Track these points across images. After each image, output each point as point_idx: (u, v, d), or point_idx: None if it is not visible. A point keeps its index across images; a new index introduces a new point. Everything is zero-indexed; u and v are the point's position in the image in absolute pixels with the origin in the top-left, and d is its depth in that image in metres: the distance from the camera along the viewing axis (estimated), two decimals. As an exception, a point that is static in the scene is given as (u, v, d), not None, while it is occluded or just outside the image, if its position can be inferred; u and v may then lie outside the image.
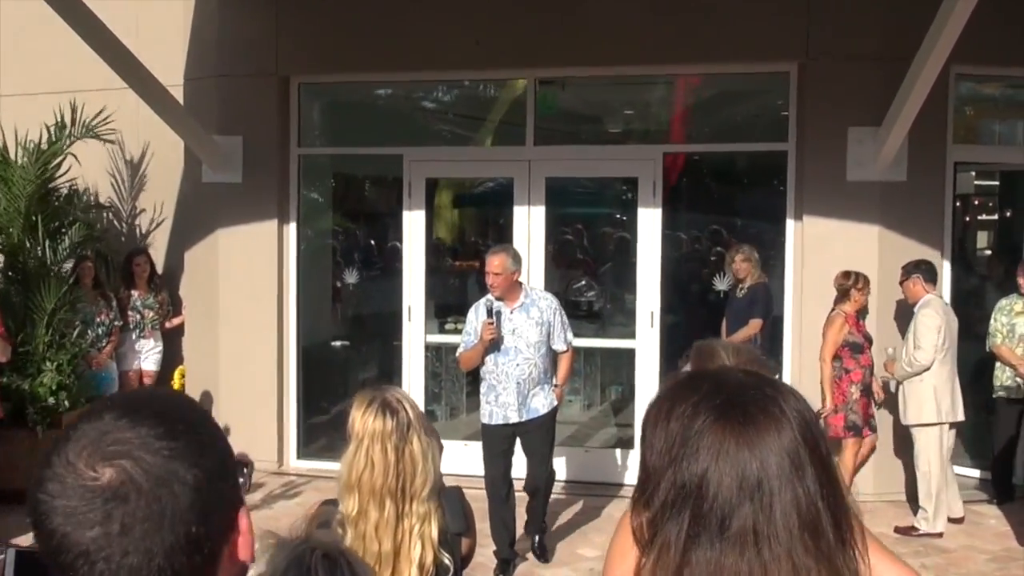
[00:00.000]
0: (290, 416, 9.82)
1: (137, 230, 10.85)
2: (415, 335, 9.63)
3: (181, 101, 9.46)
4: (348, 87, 9.96)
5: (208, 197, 9.68)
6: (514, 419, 7.13)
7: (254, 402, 9.59)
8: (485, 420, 7.21)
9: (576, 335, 10.15)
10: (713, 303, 9.68)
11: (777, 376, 2.33)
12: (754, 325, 8.55)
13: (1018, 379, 8.24)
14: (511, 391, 7.09)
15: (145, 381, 10.03)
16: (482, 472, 7.27)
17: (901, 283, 8.12)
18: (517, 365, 7.08)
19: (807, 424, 1.39)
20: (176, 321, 10.23)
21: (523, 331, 7.09)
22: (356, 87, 9.98)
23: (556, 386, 7.25)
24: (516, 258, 7.10)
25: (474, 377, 10.59)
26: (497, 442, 7.18)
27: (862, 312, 8.29)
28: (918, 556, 7.53)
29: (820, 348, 8.20)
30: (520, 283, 7.18)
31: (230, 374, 9.67)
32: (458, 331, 9.85)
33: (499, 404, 7.14)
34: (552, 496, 8.62)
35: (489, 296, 7.13)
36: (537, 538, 7.56)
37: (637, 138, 9.64)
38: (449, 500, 3.26)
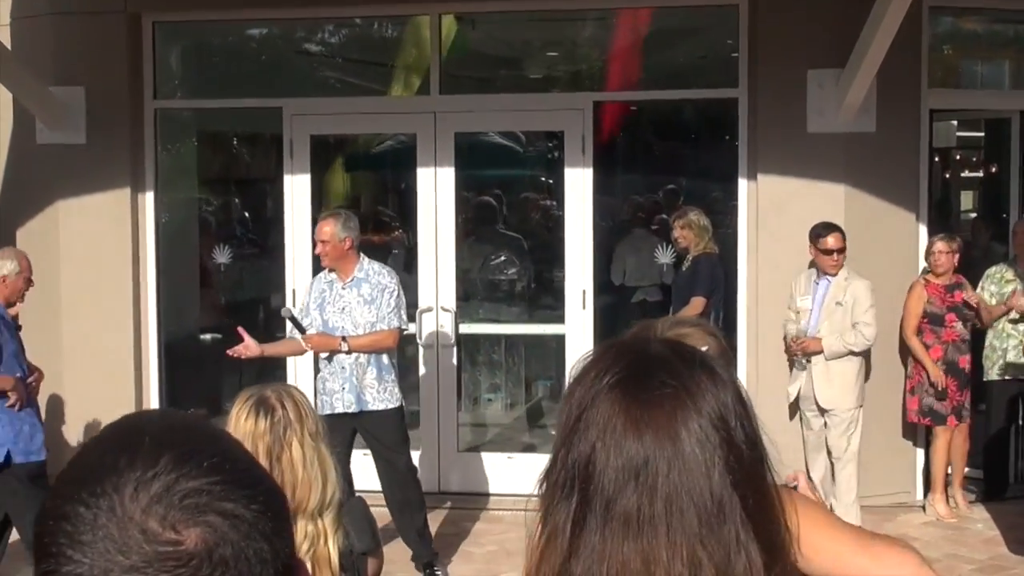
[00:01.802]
0: None
1: (-44, 204, 10.70)
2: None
3: (7, 44, 9.34)
4: (214, 26, 9.94)
5: (44, 161, 9.61)
6: (340, 408, 7.47)
7: (107, 410, 9.40)
8: (320, 413, 7.51)
9: (495, 320, 10.47)
10: (657, 280, 9.91)
11: (726, 356, 2.53)
12: (695, 304, 8.71)
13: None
14: (337, 377, 7.45)
15: None
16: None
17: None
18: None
19: (721, 403, 1.47)
20: (11, 313, 10.13)
21: (352, 310, 7.43)
22: (224, 26, 9.97)
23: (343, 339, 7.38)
24: (347, 224, 7.39)
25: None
26: (331, 436, 7.42)
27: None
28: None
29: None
30: (358, 254, 7.51)
31: (77, 377, 9.62)
32: None
33: (326, 392, 7.52)
34: (467, 510, 8.80)
35: (323, 273, 7.54)
36: (428, 571, 7.68)
37: (563, 85, 9.79)
38: (352, 515, 3.34)
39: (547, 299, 10.38)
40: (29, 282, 7.38)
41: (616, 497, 1.43)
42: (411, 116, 9.51)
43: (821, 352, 8.20)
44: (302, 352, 7.75)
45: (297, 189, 9.58)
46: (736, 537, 1.43)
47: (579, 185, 9.28)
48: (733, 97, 9.09)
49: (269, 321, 10.10)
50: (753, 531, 1.44)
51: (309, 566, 3.13)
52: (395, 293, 7.49)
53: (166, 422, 1.18)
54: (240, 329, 7.33)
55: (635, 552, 1.42)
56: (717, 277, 8.91)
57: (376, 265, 7.62)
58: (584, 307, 9.33)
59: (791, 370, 8.52)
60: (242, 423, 3.19)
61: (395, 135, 10.18)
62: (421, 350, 9.57)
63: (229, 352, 7.27)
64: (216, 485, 1.11)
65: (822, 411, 8.31)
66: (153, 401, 9.82)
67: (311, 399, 7.42)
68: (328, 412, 7.47)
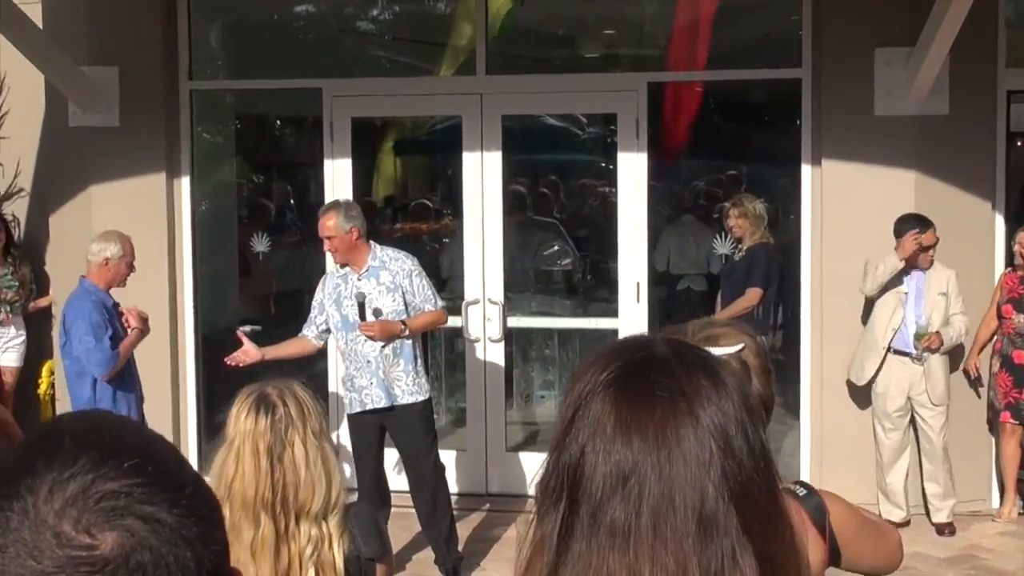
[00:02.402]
0: (188, 422, 9.95)
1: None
2: (343, 316, 9.78)
3: (39, 23, 9.51)
4: (252, 3, 10.01)
5: (77, 145, 9.72)
6: (370, 405, 7.59)
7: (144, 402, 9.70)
8: (347, 411, 7.77)
9: (548, 313, 10.52)
10: (713, 276, 9.90)
11: (766, 357, 2.63)
12: (751, 296, 8.81)
13: None
14: (364, 372, 7.56)
15: (5, 379, 10.15)
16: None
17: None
18: (365, 341, 7.52)
19: (722, 411, 1.46)
20: (42, 303, 10.30)
21: (374, 300, 7.55)
22: (262, 3, 10.04)
23: (403, 323, 7.51)
24: (349, 214, 7.53)
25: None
26: (360, 435, 7.72)
27: None
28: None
29: None
30: (367, 243, 7.62)
31: None
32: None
33: (356, 388, 7.63)
34: (513, 513, 8.87)
35: (334, 267, 7.61)
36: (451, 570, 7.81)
37: (616, 65, 9.82)
38: (359, 519, 3.37)
39: (602, 291, 10.41)
40: (131, 267, 7.49)
41: (603, 505, 1.43)
42: (456, 97, 9.58)
43: (940, 346, 8.31)
44: (310, 351, 7.87)
45: (338, 174, 9.66)
46: (731, 553, 1.41)
47: (633, 171, 9.29)
48: (796, 78, 9.07)
49: (308, 310, 10.20)
50: (751, 547, 1.42)
51: (313, 572, 3.18)
52: (423, 274, 7.67)
53: (90, 422, 1.17)
54: (240, 333, 7.51)
55: (621, 565, 1.41)
56: (773, 268, 8.95)
57: (390, 251, 7.73)
58: (638, 300, 9.35)
59: (877, 368, 8.50)
60: (242, 421, 3.23)
61: (440, 118, 10.26)
62: (467, 345, 9.63)
63: (228, 360, 7.39)
64: (136, 487, 1.09)
65: (923, 409, 8.34)
66: (190, 398, 9.92)
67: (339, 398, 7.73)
68: (359, 410, 7.63)
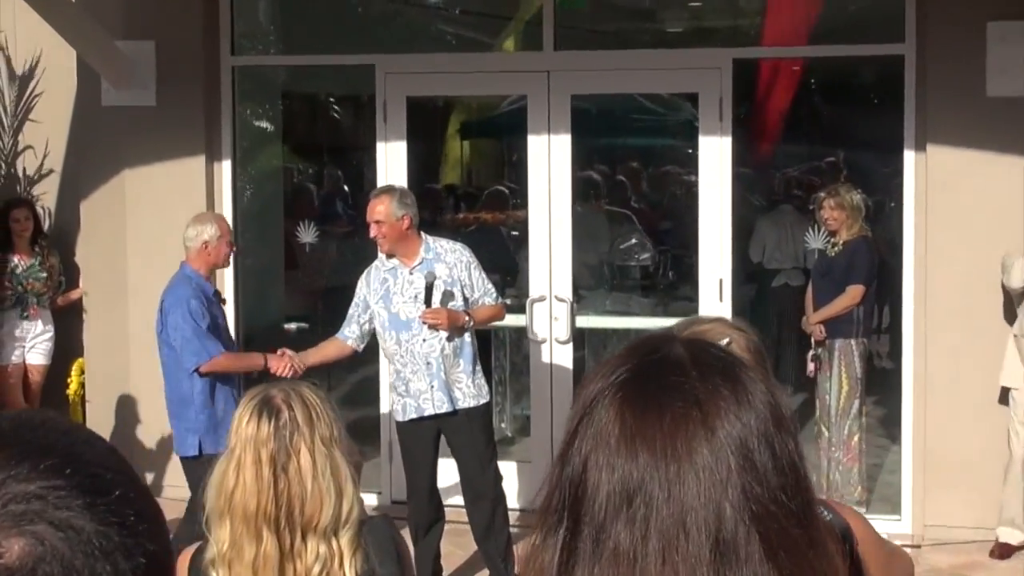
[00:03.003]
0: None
1: (19, 174, 10.98)
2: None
3: (72, -6, 9.51)
4: (300, -27, 9.98)
5: (110, 125, 9.74)
6: (430, 410, 7.51)
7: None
8: (399, 417, 7.65)
9: (624, 312, 10.43)
10: (801, 262, 9.73)
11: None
12: (852, 294, 8.68)
13: None
14: (422, 374, 7.49)
15: (32, 379, 10.19)
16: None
17: None
18: (424, 340, 7.48)
19: (744, 422, 1.42)
20: (72, 296, 10.34)
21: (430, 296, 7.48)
22: (312, -27, 10.02)
23: (468, 314, 7.52)
24: (403, 201, 7.48)
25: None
26: (415, 444, 7.63)
27: None
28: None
29: None
30: (418, 234, 7.61)
31: (146, 369, 9.52)
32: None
33: (410, 393, 7.54)
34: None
35: (380, 260, 7.58)
36: None
37: (697, 40, 9.73)
38: (375, 535, 3.33)
39: (683, 289, 10.37)
40: (231, 246, 7.67)
41: (606, 527, 1.40)
42: (521, 75, 9.50)
43: None
44: (347, 355, 7.85)
45: (392, 158, 9.61)
46: None
47: (716, 157, 9.16)
48: (898, 54, 8.89)
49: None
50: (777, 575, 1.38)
51: None
52: (480, 266, 7.68)
53: (17, 421, 1.18)
54: (277, 354, 7.44)
55: None
56: (874, 265, 8.86)
57: (444, 242, 7.72)
58: (721, 299, 9.23)
59: None
60: (243, 427, 3.21)
61: (505, 98, 10.23)
62: (532, 346, 9.56)
63: (273, 370, 7.32)
64: (52, 490, 1.09)
65: None
66: None
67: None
68: (414, 416, 7.55)
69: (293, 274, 10.91)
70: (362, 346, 7.75)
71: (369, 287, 7.63)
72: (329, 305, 10.74)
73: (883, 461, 9.77)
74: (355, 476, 3.28)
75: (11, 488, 1.08)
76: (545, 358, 9.52)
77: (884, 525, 8.56)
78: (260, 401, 3.24)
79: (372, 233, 7.52)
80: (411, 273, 7.50)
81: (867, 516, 3.27)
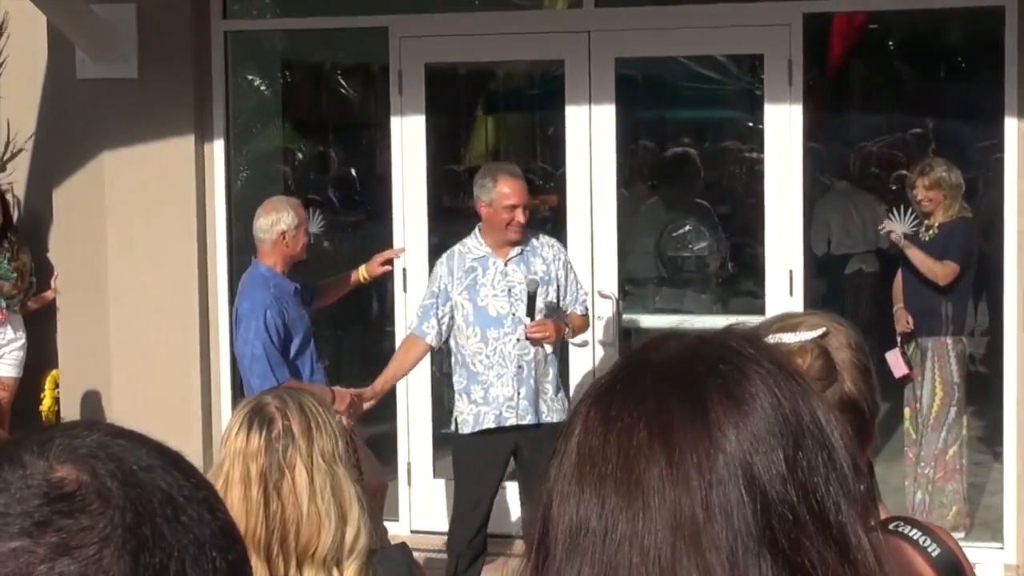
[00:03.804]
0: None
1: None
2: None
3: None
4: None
5: (86, 103, 9.65)
6: (511, 420, 7.53)
7: (167, 421, 9.40)
8: (466, 428, 7.62)
9: (677, 310, 10.32)
10: (887, 255, 9.51)
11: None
12: (947, 267, 8.66)
13: None
14: (508, 379, 7.50)
15: (0, 394, 10.05)
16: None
17: None
18: (518, 341, 7.52)
19: (746, 442, 1.36)
20: (46, 297, 10.23)
21: (523, 291, 7.57)
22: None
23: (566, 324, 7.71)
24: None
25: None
26: (483, 459, 7.62)
27: None
28: None
29: None
30: None
31: (129, 382, 9.65)
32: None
33: (488, 400, 7.53)
34: None
35: (465, 246, 7.65)
36: None
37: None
38: (389, 565, 3.30)
39: (747, 282, 10.42)
40: (308, 234, 7.78)
41: (562, 568, 1.39)
42: (556, 37, 9.35)
43: None
44: (417, 362, 7.96)
45: (409, 134, 9.49)
46: None
47: (784, 129, 9.01)
48: (998, 5, 8.71)
49: (376, 307, 9.91)
50: None
51: None
52: (572, 264, 7.92)
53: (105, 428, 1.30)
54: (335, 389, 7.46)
55: None
56: (973, 246, 8.83)
57: (543, 236, 7.90)
58: (791, 292, 9.09)
59: None
60: (232, 438, 3.16)
61: (537, 63, 10.22)
62: (572, 349, 9.39)
63: (336, 407, 7.27)
64: (153, 460, 1.24)
65: None
66: (225, 411, 9.76)
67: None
68: (491, 427, 7.56)
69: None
70: (439, 345, 7.81)
71: (451, 275, 7.63)
72: (337, 305, 10.58)
73: (981, 481, 9.58)
74: (362, 499, 3.19)
75: (101, 439, 1.23)
76: (587, 363, 9.39)
77: (983, 553, 8.53)
78: (252, 409, 3.19)
79: (515, 218, 7.52)
80: (506, 265, 7.58)
81: (965, 544, 3.11)
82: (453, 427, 7.78)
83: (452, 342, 7.78)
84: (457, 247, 7.77)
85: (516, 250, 7.63)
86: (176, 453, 1.29)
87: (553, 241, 7.89)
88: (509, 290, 7.54)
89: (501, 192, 7.49)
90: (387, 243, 9.60)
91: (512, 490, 8.99)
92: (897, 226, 8.95)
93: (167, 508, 1.19)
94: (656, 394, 1.40)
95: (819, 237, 10.77)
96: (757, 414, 1.38)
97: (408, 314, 9.47)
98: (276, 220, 7.51)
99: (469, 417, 7.60)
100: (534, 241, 7.75)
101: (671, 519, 1.34)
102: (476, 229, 7.74)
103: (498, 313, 7.53)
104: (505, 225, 7.50)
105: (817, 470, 1.38)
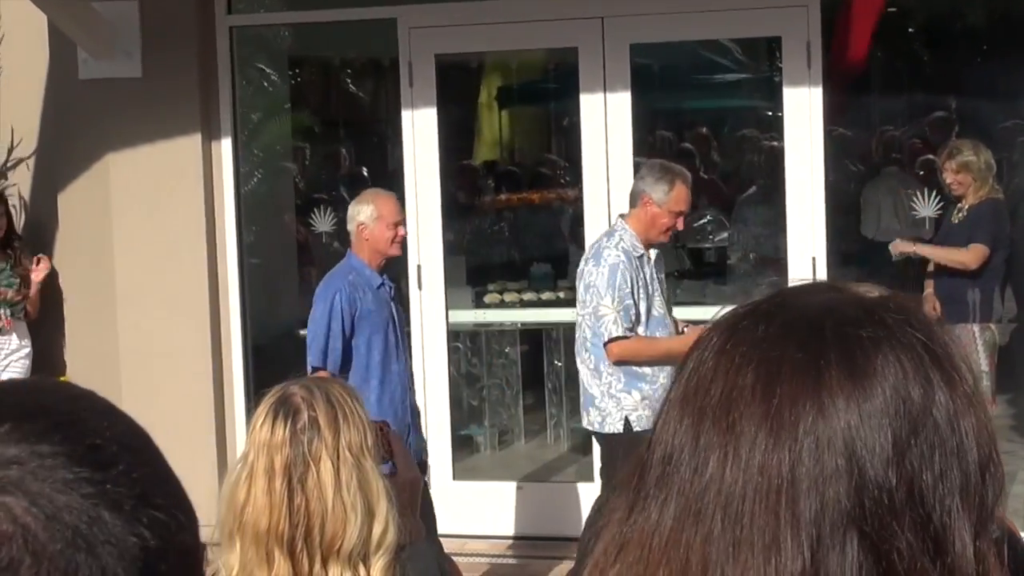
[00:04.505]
0: (236, 451, 9.66)
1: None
2: (431, 313, 9.56)
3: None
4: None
5: (90, 103, 9.64)
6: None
7: (179, 429, 9.36)
8: (641, 425, 7.50)
9: (698, 302, 10.31)
10: (919, 232, 9.42)
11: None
12: (974, 251, 8.61)
13: None
14: (664, 378, 7.50)
15: None
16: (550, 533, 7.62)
17: None
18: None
19: (843, 419, 1.30)
20: (40, 272, 9.98)
21: (664, 295, 7.79)
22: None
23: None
24: None
25: (532, 382, 10.67)
26: (623, 458, 7.67)
27: None
28: None
29: None
30: None
31: (140, 389, 9.52)
32: (508, 304, 9.84)
33: (653, 400, 7.43)
34: None
35: (627, 240, 7.49)
36: None
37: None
38: (418, 562, 3.28)
39: (769, 272, 10.33)
40: (396, 227, 7.60)
41: (649, 493, 1.39)
42: (569, 23, 9.28)
43: None
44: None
45: (420, 128, 9.45)
46: None
47: (803, 113, 8.96)
48: None
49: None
50: None
51: None
52: None
53: (18, 383, 1.24)
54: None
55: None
56: (1003, 228, 8.75)
57: None
58: (813, 279, 8.88)
59: None
60: (257, 430, 3.13)
61: (549, 52, 10.14)
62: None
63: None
64: (36, 456, 1.08)
65: None
66: (239, 417, 9.76)
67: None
68: (646, 427, 7.51)
69: (307, 270, 10.88)
70: None
71: (637, 277, 7.55)
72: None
73: (1011, 470, 9.50)
74: (391, 493, 3.15)
75: None
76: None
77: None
78: (277, 400, 3.15)
79: (679, 226, 7.67)
80: (653, 263, 7.66)
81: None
82: (621, 427, 7.63)
83: (588, 334, 7.68)
84: (621, 244, 7.58)
85: (654, 251, 7.70)
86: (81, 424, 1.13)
87: None
88: (659, 291, 7.66)
89: (679, 196, 7.48)
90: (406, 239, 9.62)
91: (584, 491, 9.02)
92: (904, 245, 8.93)
93: (89, 538, 1.06)
94: (775, 341, 1.37)
95: (869, 220, 10.75)
96: (875, 390, 1.33)
97: (425, 313, 9.52)
98: (356, 212, 7.51)
99: (644, 413, 7.54)
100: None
101: (759, 474, 1.32)
102: (623, 223, 7.62)
103: (659, 313, 7.58)
104: (666, 229, 7.53)
105: (930, 463, 1.32)
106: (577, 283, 7.68)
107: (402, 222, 7.55)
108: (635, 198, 7.54)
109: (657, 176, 7.50)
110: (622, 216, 7.64)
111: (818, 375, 1.33)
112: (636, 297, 7.49)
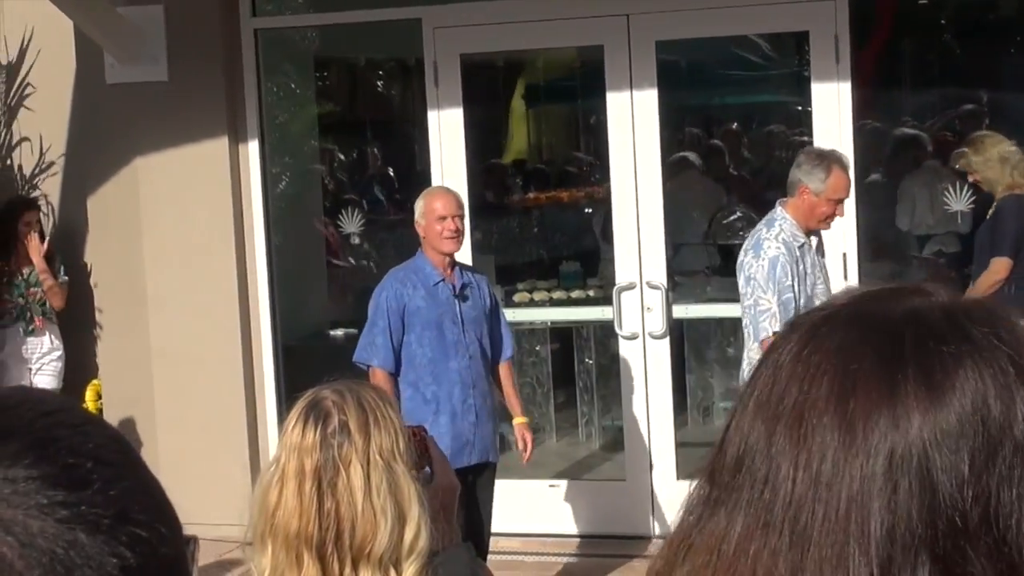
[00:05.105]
0: (267, 453, 9.73)
1: (17, 171, 10.94)
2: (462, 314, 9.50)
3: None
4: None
5: (117, 108, 9.69)
6: None
7: (210, 431, 9.57)
8: None
9: (728, 299, 10.32)
10: (951, 236, 9.49)
11: None
12: (995, 268, 8.54)
13: None
14: None
15: None
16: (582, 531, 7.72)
17: None
18: None
19: (947, 434, 1.27)
20: (41, 249, 10.04)
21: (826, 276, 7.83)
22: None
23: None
24: None
25: (563, 380, 10.70)
26: None
27: None
28: None
29: None
30: None
31: (172, 391, 9.68)
32: (538, 303, 9.90)
33: None
34: None
35: (788, 229, 7.48)
36: None
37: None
38: (450, 566, 3.26)
39: None
40: (456, 221, 7.52)
41: (721, 499, 1.38)
42: (594, 21, 9.29)
43: None
44: None
45: (447, 128, 9.49)
46: None
47: (831, 108, 8.97)
48: None
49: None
50: None
51: None
52: None
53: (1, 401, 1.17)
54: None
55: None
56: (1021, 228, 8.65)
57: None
58: (846, 276, 8.99)
59: None
60: (289, 433, 3.15)
61: (575, 50, 10.14)
62: (621, 343, 9.44)
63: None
64: (7, 482, 1.05)
65: None
66: (271, 418, 9.83)
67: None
68: None
69: (336, 271, 10.90)
70: None
71: (793, 265, 7.49)
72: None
73: None
74: (424, 498, 3.14)
75: None
76: (637, 356, 9.38)
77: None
78: (309, 404, 3.15)
79: (838, 213, 7.58)
80: (812, 250, 7.62)
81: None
82: None
83: (751, 329, 7.62)
84: (780, 234, 7.55)
85: (815, 238, 7.68)
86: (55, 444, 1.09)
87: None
88: (821, 280, 7.67)
89: (836, 184, 7.43)
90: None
91: (615, 489, 9.07)
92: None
93: (66, 562, 1.04)
94: (852, 351, 1.34)
95: (904, 212, 10.72)
96: (952, 408, 1.29)
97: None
98: (414, 210, 7.56)
99: None
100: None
101: (828, 489, 1.30)
102: (783, 212, 7.57)
103: (822, 301, 7.44)
104: (824, 218, 7.50)
105: (1008, 485, 1.28)
106: (737, 274, 7.60)
107: (452, 216, 7.42)
108: (792, 187, 7.49)
109: (813, 164, 7.44)
110: (781, 203, 7.58)
111: (894, 390, 1.30)
112: (796, 289, 7.45)
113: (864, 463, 1.27)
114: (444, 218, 7.37)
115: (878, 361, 1.31)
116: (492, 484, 7.78)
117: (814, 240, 7.63)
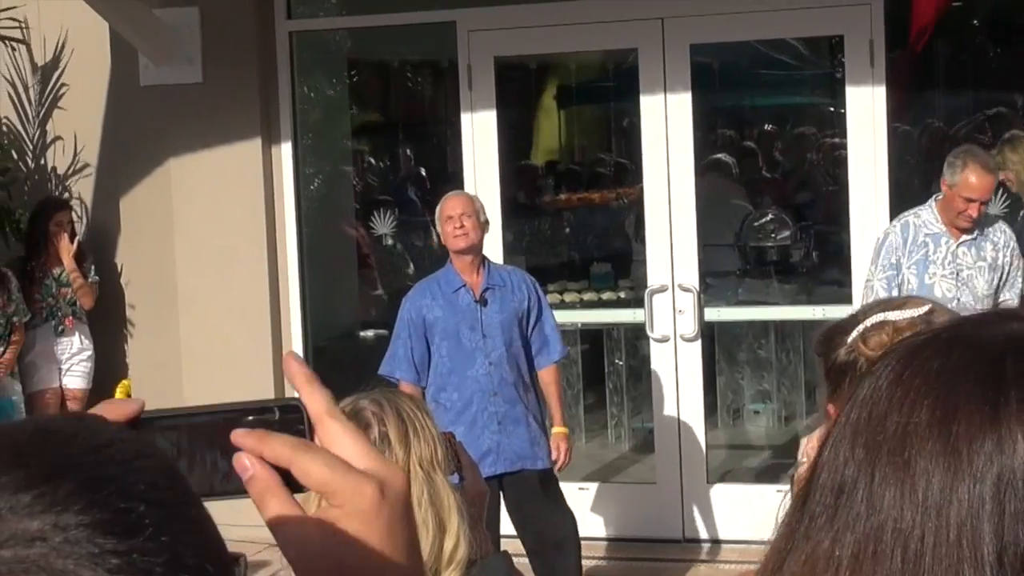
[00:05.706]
0: None
1: (50, 171, 10.99)
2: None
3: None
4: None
5: (151, 109, 9.73)
6: None
7: None
8: None
9: (761, 302, 10.35)
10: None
11: None
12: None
13: None
14: None
15: (70, 406, 10.08)
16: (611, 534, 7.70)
17: None
18: None
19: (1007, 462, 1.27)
20: (69, 249, 10.04)
21: (971, 276, 7.68)
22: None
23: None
24: None
25: (593, 382, 10.73)
26: None
27: None
28: None
29: None
30: None
31: (202, 391, 9.49)
32: (568, 305, 9.93)
33: None
34: (720, 565, 8.66)
35: (924, 216, 7.61)
36: None
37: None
38: (488, 574, 3.21)
39: (832, 271, 10.26)
40: (462, 226, 7.48)
41: (814, 523, 1.37)
42: (629, 24, 9.29)
43: None
44: None
45: (480, 130, 9.50)
46: None
47: (866, 112, 8.93)
48: None
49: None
50: None
51: None
52: None
53: (45, 429, 1.10)
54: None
55: None
56: None
57: (1000, 221, 7.96)
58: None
59: None
60: None
61: (609, 53, 10.09)
62: (653, 346, 9.42)
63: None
64: (59, 530, 1.00)
65: None
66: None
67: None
68: None
69: (367, 272, 10.89)
70: None
71: (905, 246, 7.59)
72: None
73: None
74: (462, 507, 3.09)
75: (9, 525, 0.99)
76: (668, 359, 9.36)
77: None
78: (347, 414, 2.96)
79: (970, 212, 7.50)
80: (957, 247, 7.60)
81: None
82: None
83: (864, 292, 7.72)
84: (910, 217, 7.72)
85: (971, 233, 7.63)
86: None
87: (1005, 226, 7.85)
88: (957, 273, 7.57)
89: (966, 181, 7.42)
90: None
91: (645, 492, 9.14)
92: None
93: None
94: (953, 377, 1.33)
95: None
96: None
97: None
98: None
99: None
100: (987, 226, 7.74)
101: (937, 516, 1.29)
102: (932, 200, 7.70)
103: (943, 295, 7.40)
104: (957, 213, 7.50)
105: None
106: None
107: (458, 215, 7.42)
108: (941, 180, 7.61)
109: (952, 159, 7.52)
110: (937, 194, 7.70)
111: (996, 414, 1.29)
112: (906, 270, 7.52)
113: (971, 487, 1.26)
114: (451, 218, 7.41)
115: (979, 385, 1.31)
116: (541, 491, 7.67)
117: (967, 236, 7.60)
